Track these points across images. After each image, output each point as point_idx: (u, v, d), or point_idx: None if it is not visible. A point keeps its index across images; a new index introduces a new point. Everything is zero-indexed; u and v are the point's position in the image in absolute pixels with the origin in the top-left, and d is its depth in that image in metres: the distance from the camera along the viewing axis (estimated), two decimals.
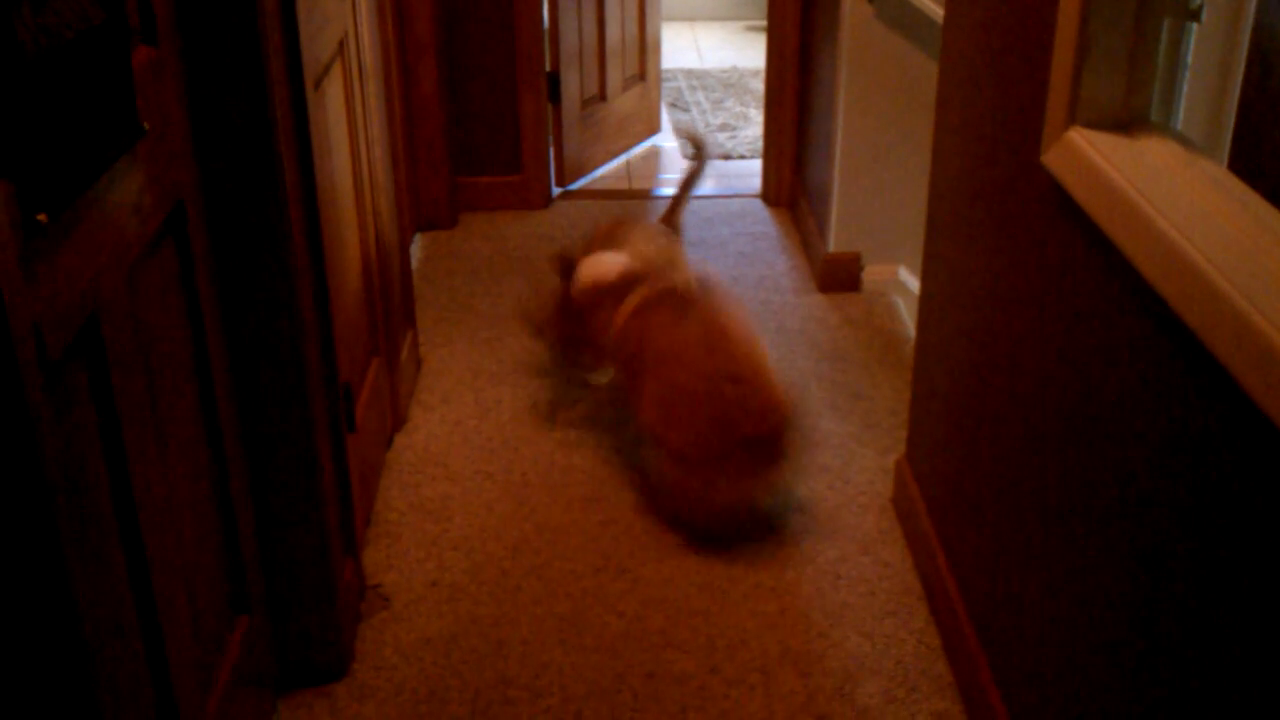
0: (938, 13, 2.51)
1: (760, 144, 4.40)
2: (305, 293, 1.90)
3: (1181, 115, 1.56)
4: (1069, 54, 1.53)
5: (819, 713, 2.04)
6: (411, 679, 2.11)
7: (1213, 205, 1.28)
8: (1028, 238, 1.75)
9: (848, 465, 2.72)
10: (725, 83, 5.81)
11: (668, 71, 5.77)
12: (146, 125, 1.40)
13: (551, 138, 4.25)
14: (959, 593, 2.11)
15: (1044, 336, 1.68)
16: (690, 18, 7.08)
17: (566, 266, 2.85)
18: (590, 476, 2.69)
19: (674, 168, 4.64)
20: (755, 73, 5.79)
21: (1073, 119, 1.55)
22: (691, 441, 2.38)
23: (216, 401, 1.74)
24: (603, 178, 4.53)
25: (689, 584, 2.35)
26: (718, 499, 2.42)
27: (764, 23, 4.26)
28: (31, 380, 1.10)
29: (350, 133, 2.36)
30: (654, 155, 4.80)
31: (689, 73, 6.01)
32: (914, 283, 3.25)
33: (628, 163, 4.69)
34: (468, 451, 2.79)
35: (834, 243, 3.54)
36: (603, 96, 4.51)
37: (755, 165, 4.49)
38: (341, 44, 2.27)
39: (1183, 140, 1.48)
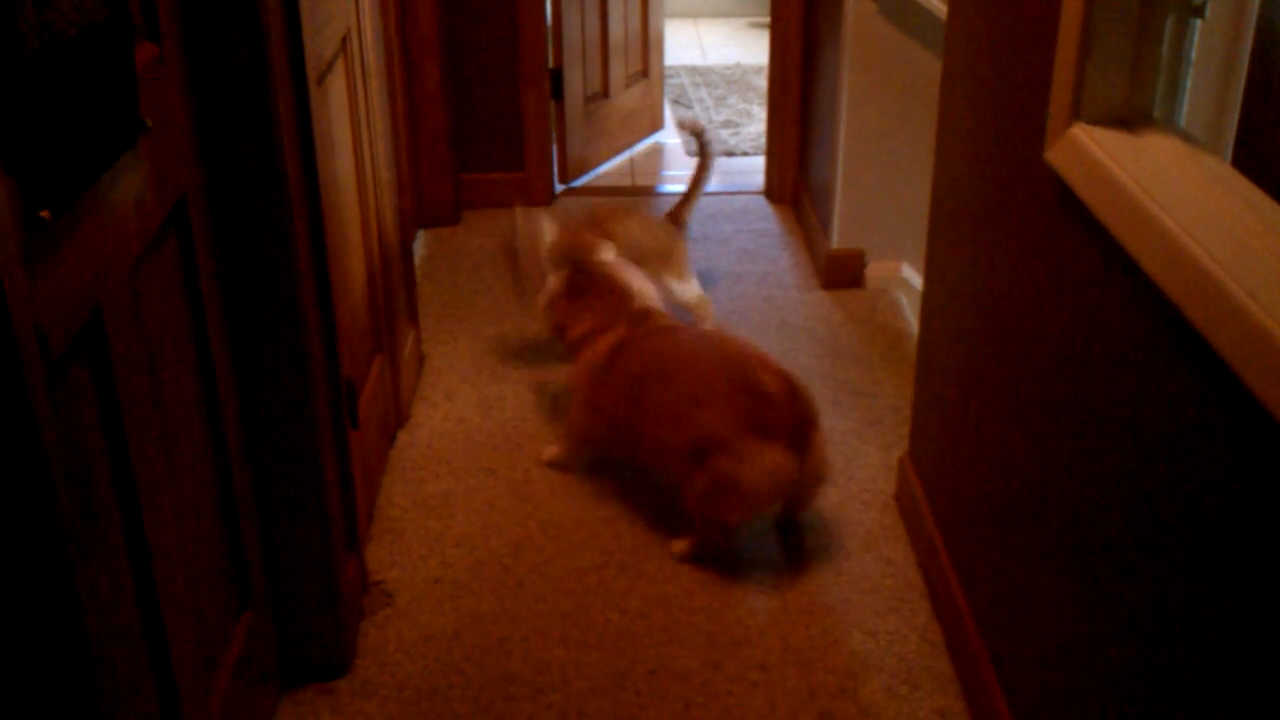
0: (941, 9, 2.51)
1: (763, 141, 4.40)
2: (308, 289, 1.90)
3: (1185, 111, 1.55)
4: (1072, 50, 1.53)
5: (821, 709, 2.04)
6: (414, 676, 2.12)
7: (1216, 201, 1.28)
8: (1031, 234, 1.75)
9: (850, 462, 2.72)
10: (728, 79, 5.81)
11: (671, 68, 5.77)
12: (149, 122, 1.40)
13: (554, 135, 4.25)
14: (961, 589, 2.11)
15: (1047, 332, 1.68)
16: (693, 14, 7.08)
17: (565, 254, 2.80)
18: (592, 473, 2.69)
19: (677, 165, 4.63)
20: (758, 69, 5.78)
21: (1076, 115, 1.55)
22: (723, 416, 2.29)
23: (219, 398, 1.74)
24: (606, 175, 4.53)
25: (691, 580, 2.35)
26: (766, 471, 2.27)
27: (767, 19, 4.26)
28: (34, 377, 1.10)
29: (353, 129, 2.36)
30: (657, 152, 4.80)
31: (692, 69, 6.00)
32: (917, 279, 3.25)
33: (631, 160, 4.69)
34: (470, 448, 2.79)
35: (837, 239, 3.54)
36: (606, 93, 4.51)
37: (758, 162, 4.49)
38: (345, 40, 2.27)
39: (1186, 136, 1.47)
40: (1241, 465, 1.14)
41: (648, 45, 4.73)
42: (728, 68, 6.02)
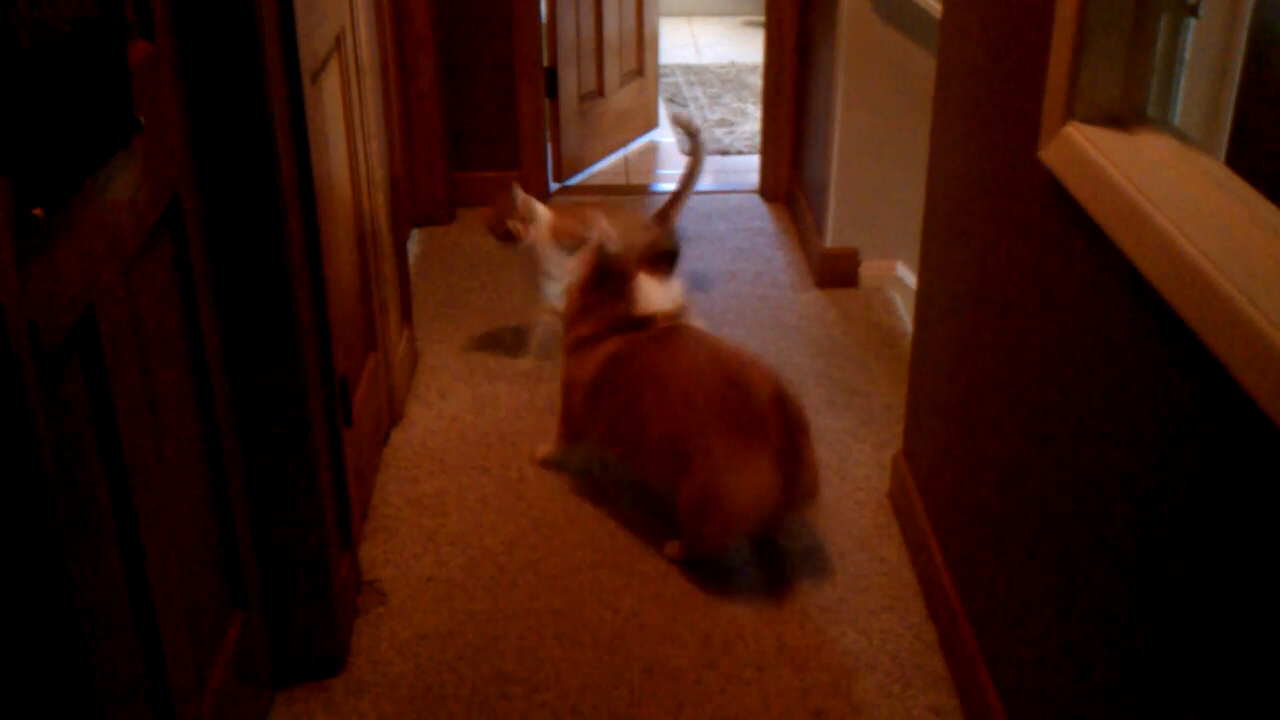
0: (936, 8, 2.51)
1: (758, 139, 4.40)
2: (302, 287, 1.89)
3: (1179, 111, 1.56)
4: (1067, 49, 1.53)
5: (815, 708, 2.04)
6: (408, 674, 2.11)
7: (1210, 201, 1.28)
8: (1025, 233, 1.75)
9: (844, 461, 2.72)
10: (723, 78, 5.81)
11: (665, 67, 5.77)
12: (143, 120, 1.39)
13: (549, 133, 4.25)
14: (955, 588, 2.11)
15: (1041, 332, 1.68)
16: (688, 13, 7.08)
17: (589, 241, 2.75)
18: (587, 471, 2.69)
19: (671, 163, 4.63)
20: (753, 68, 5.79)
21: (1070, 114, 1.55)
22: (711, 430, 2.27)
23: (213, 396, 1.74)
24: (600, 173, 4.53)
25: (685, 579, 2.35)
26: (750, 495, 2.26)
27: (762, 18, 4.26)
28: (27, 375, 1.10)
29: (347, 127, 2.35)
30: (651, 150, 4.80)
31: (687, 68, 6.00)
32: (911, 278, 3.25)
33: (625, 158, 4.69)
34: (464, 447, 2.79)
35: (831, 238, 3.54)
36: (600, 92, 4.51)
37: (753, 161, 4.49)
38: (339, 39, 2.27)
39: (1180, 136, 1.47)
40: (1235, 464, 1.15)
41: (643, 44, 4.74)
42: (722, 66, 6.02)
